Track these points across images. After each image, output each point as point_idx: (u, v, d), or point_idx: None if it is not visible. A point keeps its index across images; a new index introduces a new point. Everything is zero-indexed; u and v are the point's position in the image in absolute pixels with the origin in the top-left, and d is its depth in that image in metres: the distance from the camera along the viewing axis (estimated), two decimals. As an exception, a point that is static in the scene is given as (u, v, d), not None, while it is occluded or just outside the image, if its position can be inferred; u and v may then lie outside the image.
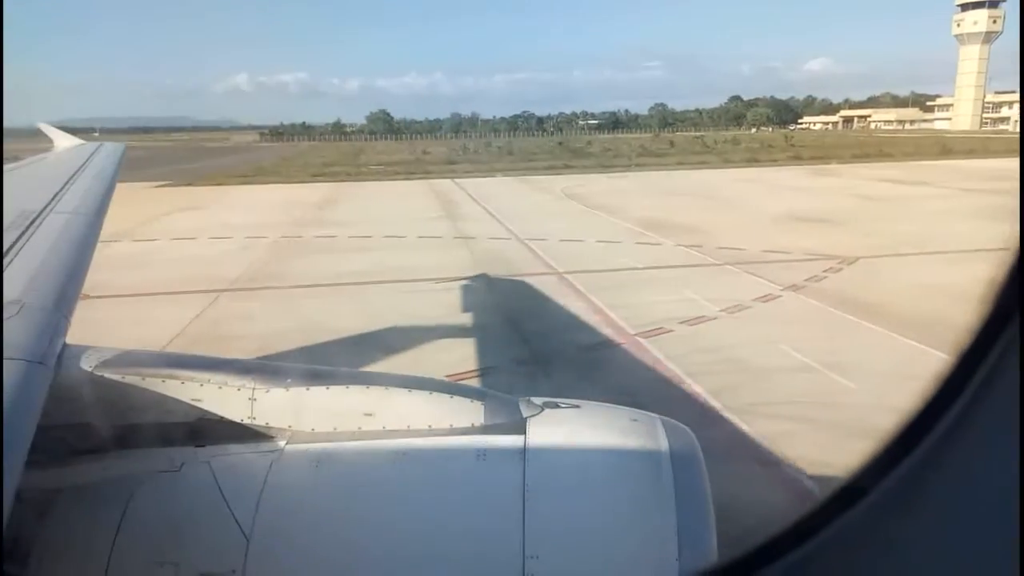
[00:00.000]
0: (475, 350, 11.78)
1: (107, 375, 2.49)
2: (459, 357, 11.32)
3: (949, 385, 1.07)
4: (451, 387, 2.58)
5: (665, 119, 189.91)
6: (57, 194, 4.80)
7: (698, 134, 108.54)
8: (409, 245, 22.57)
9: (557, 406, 2.48)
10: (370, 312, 14.24)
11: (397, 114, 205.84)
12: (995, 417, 1.03)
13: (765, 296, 14.75)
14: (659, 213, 27.92)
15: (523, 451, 2.25)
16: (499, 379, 10.26)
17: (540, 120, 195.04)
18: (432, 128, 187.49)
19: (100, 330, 13.82)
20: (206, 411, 2.45)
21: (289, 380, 2.51)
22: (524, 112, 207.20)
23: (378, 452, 2.33)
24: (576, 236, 23.06)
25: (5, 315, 2.28)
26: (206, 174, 56.60)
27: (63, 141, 9.12)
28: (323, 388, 2.49)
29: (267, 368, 2.62)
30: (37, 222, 3.83)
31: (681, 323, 12.92)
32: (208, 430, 2.45)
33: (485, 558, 2.14)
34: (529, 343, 12.13)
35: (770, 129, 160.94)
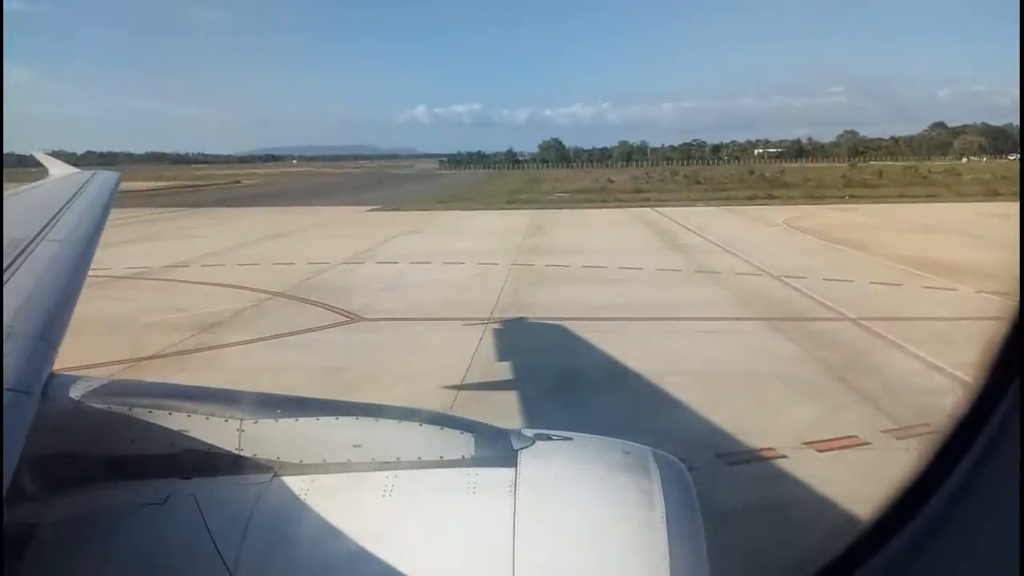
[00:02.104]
0: (817, 414, 10.11)
1: (94, 405, 2.42)
2: (811, 421, 9.73)
3: (949, 449, 1.12)
4: (441, 418, 2.48)
5: (855, 147, 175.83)
6: (50, 222, 4.76)
7: (909, 164, 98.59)
8: (652, 278, 21.30)
9: (549, 438, 2.40)
10: (658, 352, 13.04)
11: (564, 143, 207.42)
12: (998, 480, 1.07)
13: None
14: (923, 252, 24.55)
15: (514, 484, 2.17)
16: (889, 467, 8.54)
17: (715, 148, 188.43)
18: (602, 156, 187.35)
19: (389, 356, 13.69)
20: (193, 442, 2.38)
21: (279, 411, 2.42)
22: (695, 140, 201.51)
23: (367, 484, 2.27)
24: (840, 275, 20.60)
25: None
26: (407, 200, 59.51)
27: (57, 169, 8.93)
28: (312, 419, 2.40)
29: (256, 399, 2.53)
30: (28, 250, 3.83)
31: (1072, 394, 10.40)
32: (195, 462, 2.38)
33: None
34: (878, 404, 10.27)
35: (983, 159, 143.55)
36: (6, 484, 1.71)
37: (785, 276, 20.58)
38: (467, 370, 12.24)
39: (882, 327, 14.48)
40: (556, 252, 26.76)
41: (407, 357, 13.21)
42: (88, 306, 19.14)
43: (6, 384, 2.05)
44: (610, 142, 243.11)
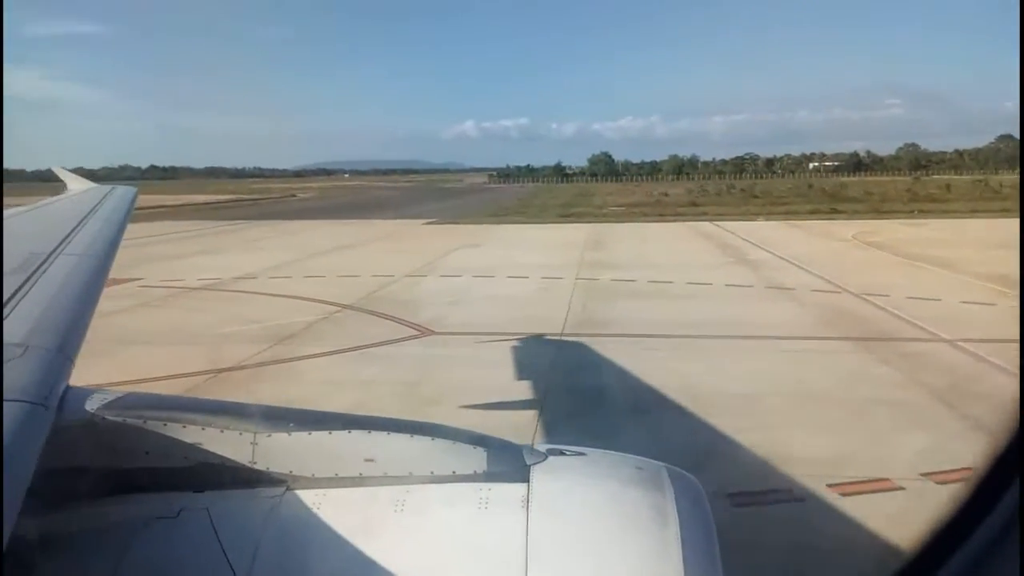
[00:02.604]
0: (930, 443, 9.47)
1: (108, 418, 2.40)
2: (924, 450, 9.10)
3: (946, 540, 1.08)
4: (454, 433, 2.41)
5: (917, 160, 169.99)
6: (67, 237, 4.81)
7: (977, 177, 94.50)
8: (723, 294, 20.68)
9: (562, 453, 2.36)
10: (746, 372, 12.53)
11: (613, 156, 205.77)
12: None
13: None
14: (1009, 269, 23.07)
15: (526, 499, 2.16)
16: None
17: (769, 161, 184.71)
18: (652, 170, 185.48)
19: (465, 371, 13.24)
20: (207, 455, 2.35)
21: (292, 425, 2.38)
22: (748, 154, 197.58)
23: (379, 499, 2.24)
24: (924, 293, 19.62)
25: (9, 357, 2.35)
26: (461, 213, 59.84)
27: (75, 184, 9.09)
28: (325, 433, 2.36)
29: (270, 412, 2.48)
30: (45, 264, 3.87)
31: None
32: (208, 475, 2.36)
33: None
34: (995, 434, 9.55)
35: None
36: (21, 496, 1.71)
37: (865, 294, 19.71)
38: (546, 387, 11.96)
39: (984, 349, 13.64)
40: (619, 266, 26.32)
41: (483, 372, 12.99)
42: (167, 316, 19.53)
43: (24, 397, 2.08)
44: (659, 156, 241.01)
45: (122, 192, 7.92)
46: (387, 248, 34.95)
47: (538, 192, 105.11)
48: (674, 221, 48.15)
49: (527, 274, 24.63)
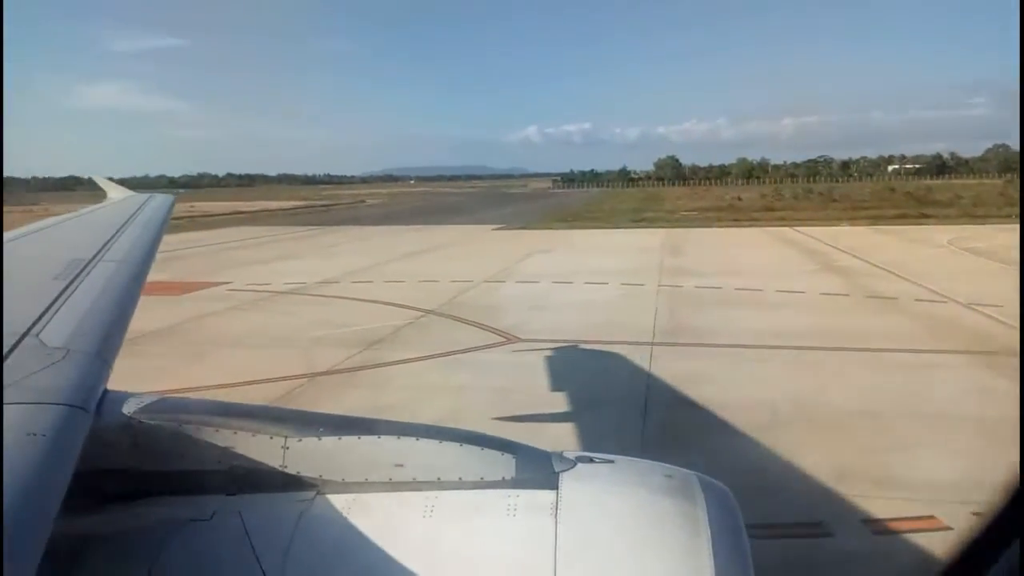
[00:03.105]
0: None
1: (144, 421, 2.45)
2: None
3: None
4: (482, 439, 2.39)
5: (1007, 162, 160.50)
6: (107, 243, 4.89)
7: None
8: (818, 304, 19.71)
9: (591, 460, 2.34)
10: (866, 388, 11.77)
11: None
12: None
13: None
14: None
15: (555, 506, 2.15)
16: None
17: (844, 164, 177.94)
18: (720, 174, 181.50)
19: (557, 379, 12.70)
20: (239, 459, 2.39)
21: (322, 429, 2.41)
22: (822, 157, 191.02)
23: (408, 504, 2.25)
24: (1042, 304, 18.18)
25: (51, 361, 2.48)
26: (529, 219, 59.74)
27: (115, 192, 9.30)
28: (355, 438, 2.39)
29: (301, 416, 2.55)
30: (86, 270, 3.96)
31: None
32: (240, 478, 2.38)
33: None
34: None
35: None
36: (60, 497, 1.74)
37: (975, 304, 18.42)
38: (645, 398, 11.54)
39: (1125, 366, 12.42)
40: (702, 273, 25.52)
41: (575, 380, 12.64)
42: (258, 319, 19.88)
43: (64, 400, 2.14)
44: (726, 159, 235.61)
45: (160, 200, 8.15)
46: (461, 253, 35.06)
47: (605, 197, 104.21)
48: (751, 226, 46.68)
49: (606, 280, 24.18)
